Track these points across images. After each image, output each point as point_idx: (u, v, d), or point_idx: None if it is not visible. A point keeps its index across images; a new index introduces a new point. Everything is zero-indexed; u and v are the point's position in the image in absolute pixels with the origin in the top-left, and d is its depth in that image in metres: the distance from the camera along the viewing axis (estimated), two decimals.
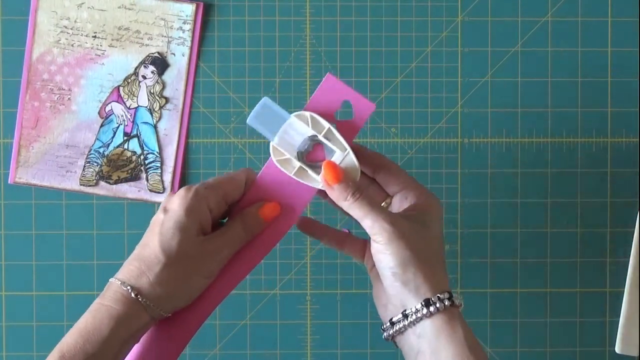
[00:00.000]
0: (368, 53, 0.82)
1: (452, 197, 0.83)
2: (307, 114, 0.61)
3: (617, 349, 0.81)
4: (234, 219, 0.62)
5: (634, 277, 0.81)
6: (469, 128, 0.83)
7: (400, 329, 0.58)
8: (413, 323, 0.57)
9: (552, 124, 0.83)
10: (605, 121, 0.83)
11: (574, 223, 0.83)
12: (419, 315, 0.57)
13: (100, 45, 0.82)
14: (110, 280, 0.60)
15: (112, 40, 0.82)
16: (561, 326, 0.83)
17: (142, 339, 0.61)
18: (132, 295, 0.58)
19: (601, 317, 0.83)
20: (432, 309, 0.57)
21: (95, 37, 0.82)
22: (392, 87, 0.83)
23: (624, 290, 0.81)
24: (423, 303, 0.57)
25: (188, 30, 0.82)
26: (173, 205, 0.59)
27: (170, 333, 0.61)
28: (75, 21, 0.82)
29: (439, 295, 0.57)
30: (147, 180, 0.83)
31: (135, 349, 0.61)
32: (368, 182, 0.64)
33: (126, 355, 0.59)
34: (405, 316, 0.58)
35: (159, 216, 0.60)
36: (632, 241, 0.82)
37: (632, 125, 0.83)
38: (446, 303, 0.57)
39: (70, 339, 0.57)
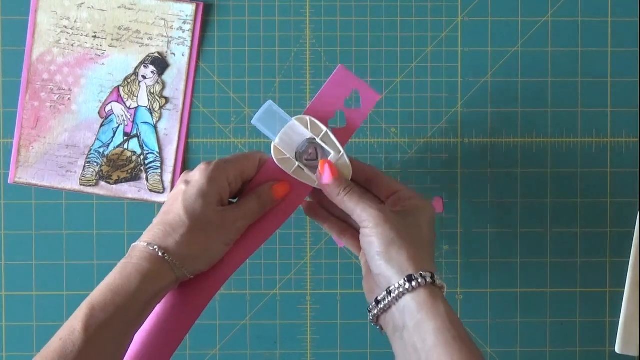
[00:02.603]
0: (368, 53, 0.82)
1: (452, 197, 0.83)
2: (307, 118, 0.67)
3: (617, 349, 0.81)
4: (249, 194, 0.66)
5: (634, 277, 0.81)
6: (469, 128, 0.83)
7: (384, 306, 0.61)
8: (396, 299, 0.60)
9: (552, 124, 0.83)
10: (605, 121, 0.83)
11: (574, 223, 0.83)
12: (401, 290, 0.60)
13: (100, 45, 0.82)
14: (133, 244, 0.63)
15: (112, 40, 0.82)
16: (561, 326, 0.83)
17: (161, 304, 0.64)
18: (160, 254, 0.61)
19: (601, 317, 0.83)
20: (414, 283, 0.60)
21: (95, 37, 0.82)
22: (392, 87, 0.83)
23: (624, 290, 0.81)
24: (406, 278, 0.60)
25: (188, 30, 0.82)
26: (195, 177, 0.64)
27: (189, 298, 0.65)
28: (75, 21, 0.82)
29: (421, 272, 0.60)
30: (147, 180, 0.83)
31: (155, 312, 0.63)
32: (362, 190, 0.67)
33: (149, 314, 0.62)
34: (389, 293, 0.61)
35: (180, 187, 0.64)
36: (632, 241, 0.82)
37: (632, 125, 0.83)
38: (428, 280, 0.60)
39: (99, 293, 0.59)
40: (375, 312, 0.62)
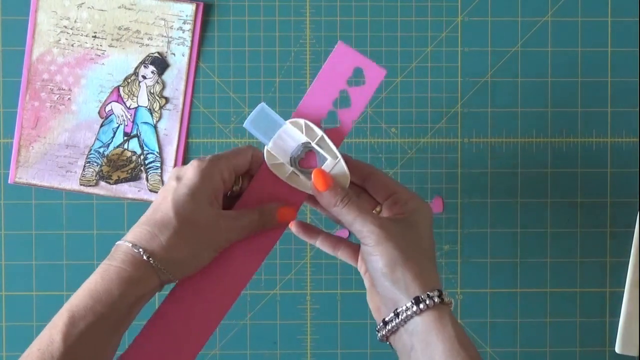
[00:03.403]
0: (368, 53, 0.82)
1: (452, 197, 0.83)
2: (302, 121, 0.63)
3: (617, 349, 0.81)
4: (250, 209, 0.63)
5: (634, 277, 0.81)
6: (469, 128, 0.83)
7: (392, 328, 0.59)
8: (404, 321, 0.58)
9: (552, 124, 0.83)
10: (605, 121, 0.83)
11: (574, 223, 0.83)
12: (409, 313, 0.58)
13: (100, 45, 0.82)
14: (117, 242, 0.59)
15: (112, 40, 0.82)
16: (561, 326, 0.83)
17: (163, 327, 0.61)
18: (144, 257, 0.58)
19: (601, 317, 0.83)
20: (422, 306, 0.58)
21: (95, 37, 0.82)
22: (392, 87, 0.83)
23: (624, 290, 0.81)
24: (413, 301, 0.58)
25: (188, 30, 0.82)
26: (187, 174, 0.60)
27: (193, 328, 0.62)
28: (75, 21, 0.82)
29: (428, 292, 0.58)
30: (147, 180, 0.83)
31: (165, 319, 0.61)
32: (358, 191, 0.65)
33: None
34: (397, 315, 0.59)
35: (170, 184, 0.60)
36: (632, 241, 0.82)
37: (632, 125, 0.83)
38: (436, 300, 0.58)
39: (79, 300, 0.57)
40: (384, 332, 0.60)
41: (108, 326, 0.57)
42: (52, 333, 0.56)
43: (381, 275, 0.59)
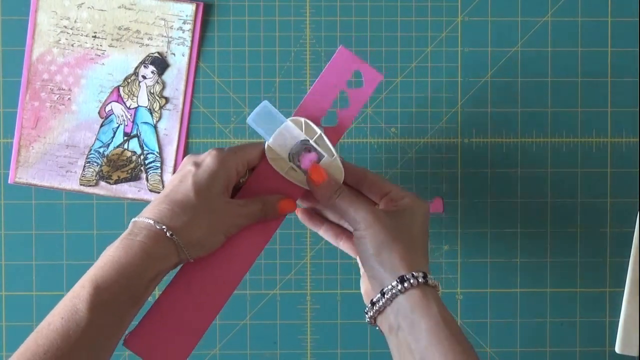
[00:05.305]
0: (368, 53, 0.82)
1: (452, 197, 0.83)
2: (302, 119, 0.67)
3: (617, 349, 0.81)
4: (255, 198, 0.66)
5: (634, 277, 0.81)
6: (469, 128, 0.83)
7: (379, 308, 0.62)
8: (390, 300, 0.61)
9: (552, 124, 0.83)
10: (605, 121, 0.83)
11: (574, 223, 0.83)
12: (394, 291, 0.60)
13: (100, 45, 0.82)
14: (134, 220, 0.61)
15: (112, 40, 0.82)
16: (561, 326, 0.83)
17: (173, 301, 0.64)
18: (168, 234, 0.60)
19: (601, 317, 0.83)
20: (406, 284, 0.60)
21: (95, 37, 0.82)
22: (392, 87, 0.83)
23: (624, 290, 0.81)
24: (398, 280, 0.60)
25: (188, 30, 0.82)
26: (207, 161, 0.64)
27: (196, 314, 0.64)
28: (75, 21, 0.82)
29: (413, 272, 0.60)
30: (147, 180, 0.83)
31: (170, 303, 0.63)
32: (355, 193, 0.67)
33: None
34: (383, 294, 0.61)
35: (188, 168, 0.64)
36: (632, 241, 0.82)
37: (632, 125, 0.83)
38: (420, 280, 0.60)
39: (103, 271, 0.58)
40: (372, 313, 0.63)
41: (130, 298, 0.58)
42: (76, 303, 0.57)
43: (369, 256, 0.62)
